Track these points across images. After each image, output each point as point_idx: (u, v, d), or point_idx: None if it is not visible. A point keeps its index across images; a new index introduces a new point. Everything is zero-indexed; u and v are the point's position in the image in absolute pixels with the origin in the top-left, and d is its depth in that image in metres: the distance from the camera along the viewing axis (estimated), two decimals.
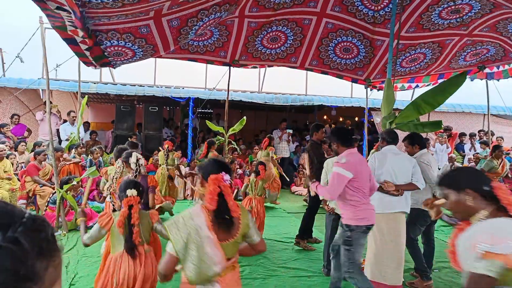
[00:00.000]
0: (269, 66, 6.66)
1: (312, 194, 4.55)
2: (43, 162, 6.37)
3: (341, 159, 3.10)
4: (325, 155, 4.79)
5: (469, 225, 1.55)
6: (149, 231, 2.70)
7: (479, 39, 5.41)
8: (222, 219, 1.77)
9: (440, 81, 6.71)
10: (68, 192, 5.34)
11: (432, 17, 5.16)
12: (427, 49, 5.89)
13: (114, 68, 4.62)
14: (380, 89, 7.18)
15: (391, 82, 4.34)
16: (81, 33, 3.24)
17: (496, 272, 1.37)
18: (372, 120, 10.76)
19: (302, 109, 12.99)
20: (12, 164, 6.56)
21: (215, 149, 7.06)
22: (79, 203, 5.66)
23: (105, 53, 4.04)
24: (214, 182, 1.77)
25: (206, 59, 5.98)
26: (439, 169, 7.69)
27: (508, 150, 8.75)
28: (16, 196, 6.23)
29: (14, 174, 6.43)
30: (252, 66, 6.65)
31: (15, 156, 7.01)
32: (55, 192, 5.36)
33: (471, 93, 10.11)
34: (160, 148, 7.08)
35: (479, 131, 10.04)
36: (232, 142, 9.00)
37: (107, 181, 4.68)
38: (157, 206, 3.88)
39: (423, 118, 5.31)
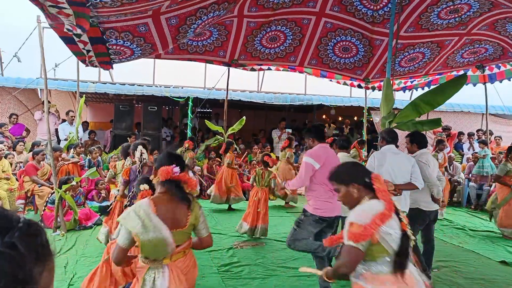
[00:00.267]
0: (267, 67, 6.65)
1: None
2: (41, 162, 6.35)
3: (312, 150, 3.44)
4: None
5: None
6: None
7: (477, 38, 5.42)
8: (170, 208, 1.96)
9: (438, 77, 6.73)
10: (67, 192, 5.32)
11: (431, 17, 5.16)
12: (426, 49, 5.90)
13: (111, 67, 4.60)
14: (378, 88, 7.18)
15: (390, 81, 4.34)
16: (79, 30, 3.24)
17: (363, 245, 1.68)
18: (371, 119, 10.76)
19: (301, 109, 12.98)
20: (11, 164, 6.54)
21: (233, 150, 7.27)
22: (78, 203, 5.66)
23: (110, 51, 4.03)
24: (163, 173, 1.97)
25: (205, 58, 5.97)
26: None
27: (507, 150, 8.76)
28: (14, 196, 6.21)
29: (12, 174, 6.42)
30: (250, 68, 6.64)
31: (14, 156, 6.98)
32: (53, 192, 5.34)
33: (469, 92, 10.11)
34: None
35: (477, 131, 10.05)
36: (232, 141, 9.00)
37: (115, 174, 4.97)
38: None
39: (422, 117, 5.32)
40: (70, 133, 7.89)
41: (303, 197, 8.19)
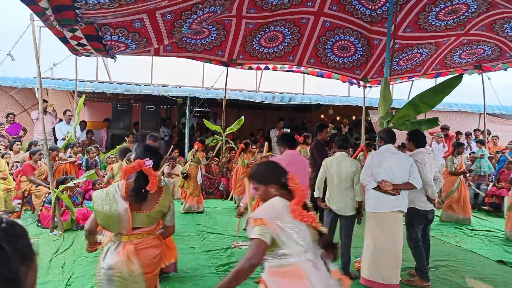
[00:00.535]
0: (265, 66, 6.64)
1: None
2: (38, 162, 6.32)
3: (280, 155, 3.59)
4: (329, 155, 4.82)
5: None
6: None
7: (475, 39, 5.43)
8: (137, 193, 2.22)
9: (437, 79, 6.74)
10: (64, 192, 5.30)
11: (429, 18, 5.16)
12: (424, 49, 5.91)
13: (114, 59, 4.61)
14: (373, 84, 7.15)
15: (388, 81, 4.35)
16: (70, 32, 3.25)
17: (265, 236, 1.75)
18: (369, 119, 10.77)
19: (300, 108, 12.98)
20: (7, 163, 6.51)
21: (249, 150, 7.70)
22: (76, 203, 5.63)
23: (106, 47, 4.02)
24: (135, 165, 2.27)
25: (204, 57, 5.96)
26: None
27: (504, 149, 8.79)
28: (11, 195, 6.18)
29: (9, 173, 6.38)
30: (248, 67, 6.64)
31: (10, 155, 6.95)
32: (50, 192, 5.32)
33: (467, 92, 10.15)
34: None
35: (475, 130, 10.08)
36: (230, 141, 8.99)
37: (113, 175, 4.97)
38: None
39: (419, 117, 5.33)
40: (68, 133, 7.85)
41: None
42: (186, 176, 6.75)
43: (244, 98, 10.02)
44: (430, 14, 5.11)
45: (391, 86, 5.43)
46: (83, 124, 9.69)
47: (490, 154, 8.60)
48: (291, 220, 1.83)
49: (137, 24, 3.85)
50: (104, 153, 8.88)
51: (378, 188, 3.54)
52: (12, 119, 8.42)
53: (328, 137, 4.98)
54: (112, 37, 3.86)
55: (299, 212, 1.85)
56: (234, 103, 10.40)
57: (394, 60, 6.04)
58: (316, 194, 4.07)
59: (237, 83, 10.40)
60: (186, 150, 9.92)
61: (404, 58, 6.20)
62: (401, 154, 3.72)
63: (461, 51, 5.86)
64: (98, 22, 3.53)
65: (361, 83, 7.05)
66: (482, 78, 8.43)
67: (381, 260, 3.53)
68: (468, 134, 9.92)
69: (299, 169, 3.54)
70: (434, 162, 4.10)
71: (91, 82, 9.62)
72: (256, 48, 5.97)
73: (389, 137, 3.75)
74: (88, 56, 4.33)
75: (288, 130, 10.43)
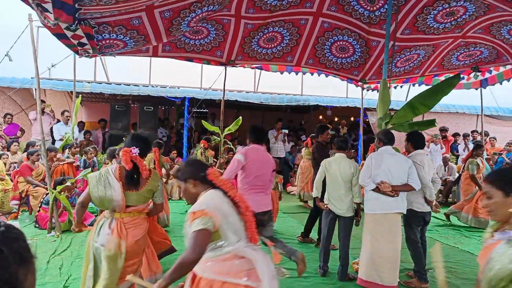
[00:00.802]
0: (260, 65, 6.64)
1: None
2: (36, 163, 6.30)
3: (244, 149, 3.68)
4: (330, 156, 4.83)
5: None
6: None
7: (472, 41, 5.45)
8: (130, 175, 2.55)
9: (434, 78, 6.76)
10: (62, 193, 5.28)
11: (427, 20, 5.18)
12: (422, 50, 5.93)
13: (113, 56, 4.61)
14: (375, 89, 7.19)
15: (387, 82, 4.35)
16: (69, 33, 3.23)
17: (208, 225, 1.78)
18: (367, 120, 10.80)
19: (298, 109, 12.99)
20: (5, 164, 6.48)
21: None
22: (74, 204, 5.60)
23: (98, 46, 4.02)
24: (123, 153, 2.55)
25: (203, 58, 5.95)
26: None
27: (501, 151, 8.83)
28: (8, 196, 6.15)
29: (6, 174, 6.36)
30: (247, 65, 6.64)
31: (8, 156, 6.92)
32: (48, 193, 5.30)
33: (464, 93, 10.18)
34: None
35: (472, 132, 10.12)
36: (228, 142, 8.98)
37: None
38: None
39: (417, 118, 5.35)
40: (65, 133, 7.82)
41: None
42: None
43: (243, 99, 10.02)
44: (428, 17, 5.13)
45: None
46: (81, 124, 9.66)
47: (487, 155, 8.63)
48: (228, 209, 1.92)
49: (135, 21, 3.86)
50: (102, 153, 8.86)
51: (377, 189, 3.54)
52: (10, 119, 8.39)
53: (329, 138, 4.97)
54: (111, 35, 3.86)
55: (240, 200, 1.95)
56: (233, 103, 10.40)
57: (392, 61, 6.05)
58: (314, 194, 4.09)
59: (236, 83, 10.41)
60: (184, 151, 9.92)
61: (402, 60, 6.21)
62: (399, 156, 3.73)
63: (458, 53, 5.88)
64: (96, 21, 3.53)
65: (360, 83, 7.07)
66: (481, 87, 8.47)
67: (379, 261, 3.53)
68: (465, 136, 9.96)
69: (259, 163, 3.57)
70: (432, 163, 4.11)
71: (89, 82, 9.60)
72: (255, 49, 5.97)
73: (388, 139, 3.76)
74: (88, 56, 4.31)
75: (286, 131, 10.43)
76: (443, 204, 8.10)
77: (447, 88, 4.08)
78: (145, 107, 9.77)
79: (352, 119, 13.35)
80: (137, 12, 3.71)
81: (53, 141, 8.56)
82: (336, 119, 13.56)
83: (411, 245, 3.82)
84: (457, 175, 8.73)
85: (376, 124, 4.39)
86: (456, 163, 9.40)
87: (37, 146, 7.13)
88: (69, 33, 3.49)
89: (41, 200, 5.63)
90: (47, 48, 6.40)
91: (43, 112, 7.42)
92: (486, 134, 9.57)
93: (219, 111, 7.94)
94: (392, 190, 3.49)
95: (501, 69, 6.13)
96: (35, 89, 9.22)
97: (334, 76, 6.93)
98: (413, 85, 7.40)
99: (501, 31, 4.96)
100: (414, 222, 3.84)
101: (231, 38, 5.61)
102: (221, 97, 7.49)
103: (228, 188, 1.97)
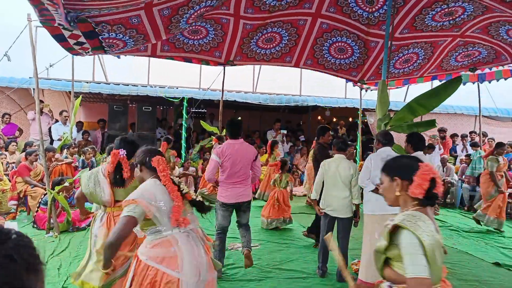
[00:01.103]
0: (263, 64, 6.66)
1: None
2: (34, 163, 6.28)
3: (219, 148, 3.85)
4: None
5: None
6: None
7: (470, 40, 5.47)
8: (115, 174, 2.77)
9: (434, 81, 6.78)
10: (60, 193, 5.26)
11: (425, 19, 5.20)
12: (420, 49, 5.93)
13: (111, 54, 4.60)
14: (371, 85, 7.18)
15: (386, 83, 4.36)
16: (68, 31, 3.22)
17: (135, 212, 1.96)
18: (365, 121, 10.81)
19: (296, 110, 12.99)
20: (3, 164, 6.46)
21: (277, 148, 7.96)
22: (72, 205, 5.59)
23: (103, 44, 4.01)
24: (112, 155, 2.74)
25: (201, 58, 5.95)
26: None
27: None
28: (6, 197, 6.12)
29: (4, 174, 6.33)
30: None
31: (6, 156, 6.90)
32: (46, 193, 5.28)
33: (463, 94, 10.22)
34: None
35: (470, 132, 10.15)
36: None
37: None
38: None
39: (416, 119, 5.36)
40: (64, 133, 7.80)
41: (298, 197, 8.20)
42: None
43: (241, 99, 10.01)
44: (426, 17, 5.15)
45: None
46: (79, 124, 9.63)
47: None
48: (163, 197, 2.08)
49: (134, 20, 3.85)
50: (101, 153, 8.84)
51: (376, 190, 3.54)
52: (8, 119, 8.36)
53: (330, 140, 4.96)
54: (110, 34, 3.85)
55: (171, 188, 2.11)
56: (231, 104, 10.39)
57: (391, 62, 6.06)
58: (313, 196, 4.08)
59: (234, 84, 10.39)
60: (182, 151, 9.90)
61: (400, 60, 6.22)
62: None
63: (457, 54, 5.90)
64: (95, 20, 3.52)
65: (358, 83, 7.08)
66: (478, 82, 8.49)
67: None
68: (464, 136, 9.99)
69: (235, 158, 3.77)
70: (431, 164, 4.12)
71: (87, 82, 9.57)
72: (254, 49, 5.97)
73: (387, 140, 3.76)
74: (88, 53, 4.30)
75: (285, 132, 10.43)
76: (441, 205, 8.12)
77: (448, 91, 4.07)
78: (143, 107, 9.74)
79: (350, 119, 13.37)
80: (135, 11, 3.71)
81: (51, 141, 8.53)
82: (334, 119, 13.58)
83: None
84: (455, 176, 8.76)
85: (375, 125, 4.40)
86: (454, 164, 9.43)
87: (35, 146, 7.11)
88: (66, 33, 3.48)
89: (39, 201, 5.61)
90: (46, 48, 6.38)
91: (41, 112, 7.39)
92: (485, 135, 9.60)
93: (217, 111, 7.94)
94: None
95: (500, 67, 6.16)
96: (33, 88, 9.20)
97: (334, 75, 6.93)
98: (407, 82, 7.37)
99: (499, 31, 4.98)
100: None
101: (230, 39, 5.61)
102: (219, 98, 7.49)
103: (162, 177, 2.14)
